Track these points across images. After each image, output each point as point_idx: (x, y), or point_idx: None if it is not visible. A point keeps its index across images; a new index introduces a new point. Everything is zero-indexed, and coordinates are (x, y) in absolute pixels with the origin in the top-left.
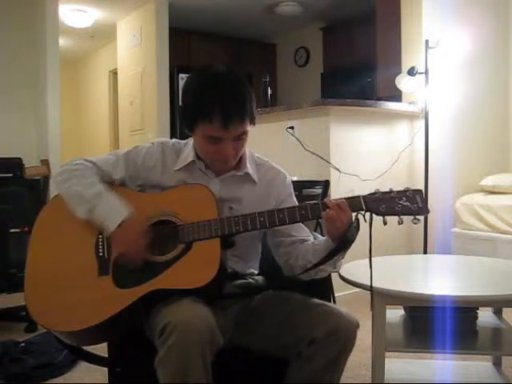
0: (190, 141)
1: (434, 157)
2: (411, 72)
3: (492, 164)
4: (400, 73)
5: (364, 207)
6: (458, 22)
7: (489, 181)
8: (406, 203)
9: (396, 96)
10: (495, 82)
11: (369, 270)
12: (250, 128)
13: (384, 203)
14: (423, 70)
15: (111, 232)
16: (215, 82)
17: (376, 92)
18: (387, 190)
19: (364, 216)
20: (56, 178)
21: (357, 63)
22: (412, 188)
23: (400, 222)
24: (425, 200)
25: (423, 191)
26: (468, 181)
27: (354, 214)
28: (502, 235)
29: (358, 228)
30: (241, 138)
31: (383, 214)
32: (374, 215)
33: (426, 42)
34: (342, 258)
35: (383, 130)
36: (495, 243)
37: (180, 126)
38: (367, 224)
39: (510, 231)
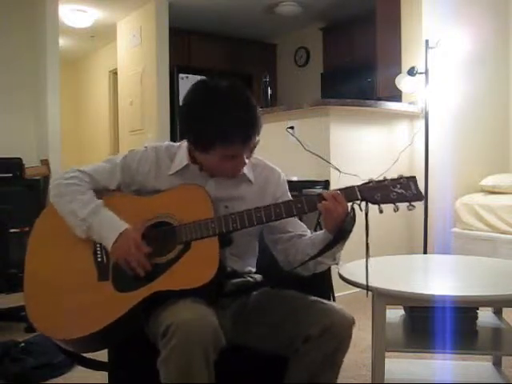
0: (184, 143)
1: (434, 157)
2: (411, 72)
3: (492, 164)
4: (400, 73)
5: (359, 197)
6: (458, 22)
7: (489, 181)
8: (401, 190)
9: (396, 96)
10: (495, 82)
11: (369, 270)
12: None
13: (379, 192)
14: (423, 70)
15: (109, 249)
16: (227, 106)
17: (376, 92)
18: (381, 178)
19: (360, 206)
20: (51, 192)
21: (357, 63)
22: (405, 175)
23: (395, 210)
24: (418, 186)
25: (423, 190)
26: (468, 181)
27: (349, 205)
28: (502, 235)
29: (354, 218)
30: (251, 149)
31: (378, 203)
32: (370, 204)
33: (426, 42)
34: (341, 249)
35: (383, 130)
36: (495, 243)
37: (191, 143)
38: (365, 213)
39: (509, 231)
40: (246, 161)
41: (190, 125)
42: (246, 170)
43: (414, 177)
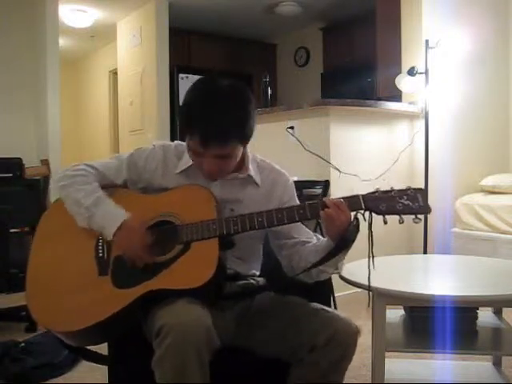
0: None
1: (434, 157)
2: (411, 72)
3: (492, 164)
4: (400, 73)
5: (363, 206)
6: (458, 22)
7: (489, 181)
8: (407, 202)
9: (396, 96)
10: (495, 82)
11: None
12: (238, 148)
13: (384, 202)
14: (423, 70)
15: (111, 238)
16: (208, 99)
17: (376, 92)
18: (388, 188)
19: (364, 215)
20: (57, 183)
21: (357, 63)
22: (413, 187)
23: (401, 222)
24: (426, 198)
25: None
26: (468, 181)
27: (353, 213)
28: (502, 235)
29: (357, 227)
30: (224, 157)
31: (383, 214)
32: (374, 214)
33: (426, 42)
34: (343, 258)
35: (383, 130)
36: (495, 243)
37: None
38: (368, 223)
39: (510, 231)
40: (215, 168)
41: (181, 107)
42: (252, 172)
43: (422, 189)
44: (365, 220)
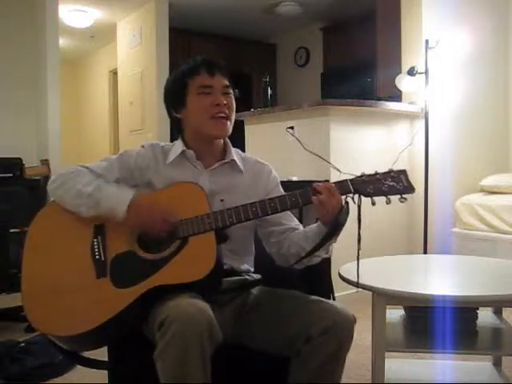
0: (178, 140)
1: (434, 157)
2: (411, 72)
3: (492, 164)
4: (400, 73)
5: (352, 190)
6: (457, 22)
7: (489, 181)
8: (392, 183)
9: (396, 96)
10: (495, 82)
11: (368, 270)
12: (232, 94)
13: (371, 185)
14: (423, 70)
15: (123, 216)
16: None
17: (376, 92)
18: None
19: (353, 199)
20: (50, 186)
21: (357, 63)
22: (395, 169)
23: (388, 202)
24: (409, 179)
25: (423, 191)
26: (468, 181)
27: (343, 198)
28: (502, 235)
29: (347, 211)
30: (227, 92)
31: (371, 195)
32: (363, 198)
33: (426, 42)
34: (334, 242)
35: (383, 129)
36: (495, 243)
37: (170, 114)
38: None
39: (510, 231)
40: (224, 102)
41: (167, 88)
42: (236, 158)
43: (405, 170)
44: (354, 203)
